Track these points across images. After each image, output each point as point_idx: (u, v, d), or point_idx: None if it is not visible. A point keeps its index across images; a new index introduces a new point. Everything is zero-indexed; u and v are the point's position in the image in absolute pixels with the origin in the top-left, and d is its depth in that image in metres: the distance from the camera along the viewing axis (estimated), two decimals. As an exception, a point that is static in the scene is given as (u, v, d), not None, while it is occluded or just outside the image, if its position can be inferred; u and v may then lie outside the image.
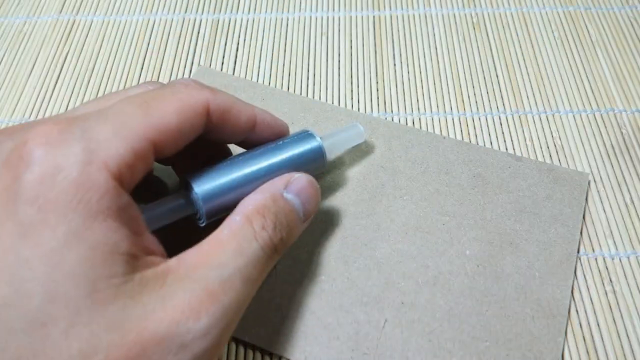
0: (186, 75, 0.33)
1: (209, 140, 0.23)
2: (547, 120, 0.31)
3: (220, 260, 0.18)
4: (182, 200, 0.22)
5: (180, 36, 0.36)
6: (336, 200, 0.27)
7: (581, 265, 0.26)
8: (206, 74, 0.33)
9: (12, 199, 0.16)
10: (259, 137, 0.24)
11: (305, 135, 0.25)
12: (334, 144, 0.27)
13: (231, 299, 0.18)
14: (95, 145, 0.17)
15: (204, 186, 0.21)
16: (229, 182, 0.22)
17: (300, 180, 0.23)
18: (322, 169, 0.25)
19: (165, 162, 0.24)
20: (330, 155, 0.26)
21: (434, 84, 0.33)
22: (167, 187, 0.26)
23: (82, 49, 0.35)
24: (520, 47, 0.35)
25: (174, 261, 0.18)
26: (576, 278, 0.26)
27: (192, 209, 0.22)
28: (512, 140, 0.31)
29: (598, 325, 0.24)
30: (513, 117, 0.32)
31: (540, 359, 0.23)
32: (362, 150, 0.29)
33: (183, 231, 0.22)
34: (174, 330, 0.16)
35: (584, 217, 0.27)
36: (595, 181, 0.29)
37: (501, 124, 0.31)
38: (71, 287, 0.16)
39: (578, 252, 0.26)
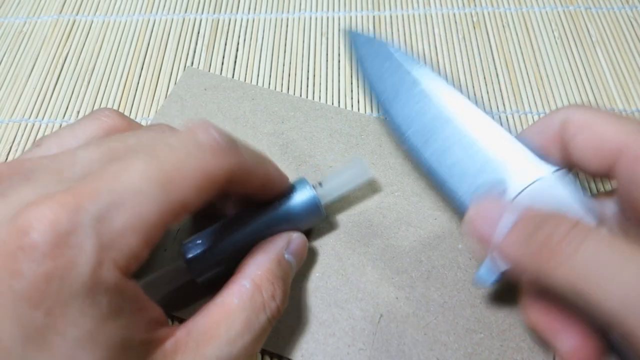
0: (180, 75, 0.33)
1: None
2: (547, 120, 0.31)
3: (229, 336, 0.18)
4: (179, 269, 0.23)
5: (180, 36, 0.36)
6: None
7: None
8: (195, 75, 0.33)
9: (9, 296, 0.14)
10: (263, 193, 0.23)
11: (302, 188, 0.24)
12: (334, 188, 0.25)
13: None
14: (108, 241, 0.16)
15: (194, 255, 0.22)
16: (222, 247, 0.22)
17: (298, 241, 0.23)
18: (321, 218, 0.25)
19: None
20: (329, 199, 0.25)
21: (434, 83, 0.33)
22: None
23: (82, 49, 0.35)
24: (520, 46, 0.35)
25: (182, 333, 0.18)
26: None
27: (189, 275, 0.23)
28: (512, 140, 0.30)
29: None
30: (513, 117, 0.32)
31: (534, 349, 0.23)
32: (353, 148, 0.29)
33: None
34: None
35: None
36: (594, 181, 0.29)
37: (501, 124, 0.31)
38: None
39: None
